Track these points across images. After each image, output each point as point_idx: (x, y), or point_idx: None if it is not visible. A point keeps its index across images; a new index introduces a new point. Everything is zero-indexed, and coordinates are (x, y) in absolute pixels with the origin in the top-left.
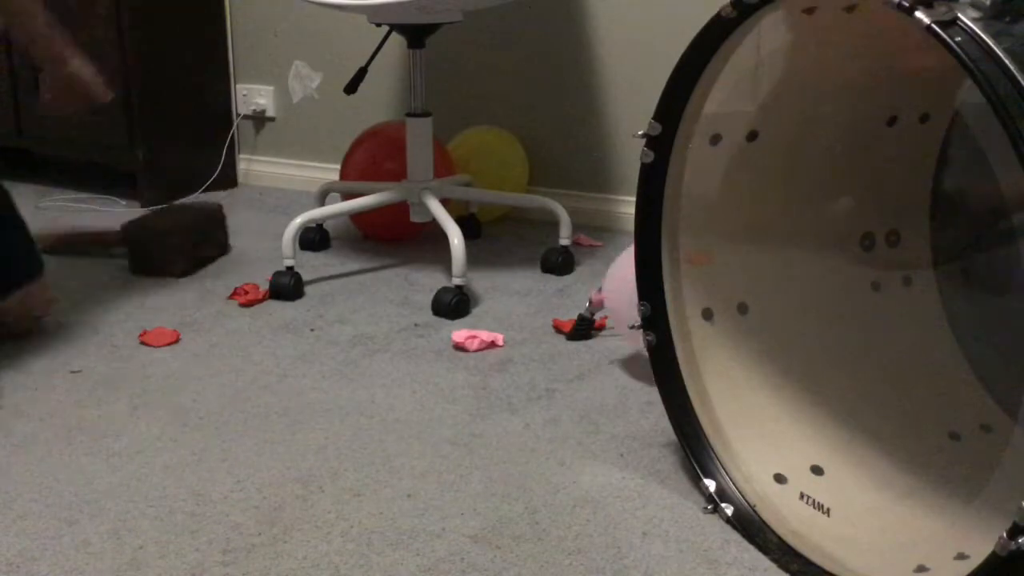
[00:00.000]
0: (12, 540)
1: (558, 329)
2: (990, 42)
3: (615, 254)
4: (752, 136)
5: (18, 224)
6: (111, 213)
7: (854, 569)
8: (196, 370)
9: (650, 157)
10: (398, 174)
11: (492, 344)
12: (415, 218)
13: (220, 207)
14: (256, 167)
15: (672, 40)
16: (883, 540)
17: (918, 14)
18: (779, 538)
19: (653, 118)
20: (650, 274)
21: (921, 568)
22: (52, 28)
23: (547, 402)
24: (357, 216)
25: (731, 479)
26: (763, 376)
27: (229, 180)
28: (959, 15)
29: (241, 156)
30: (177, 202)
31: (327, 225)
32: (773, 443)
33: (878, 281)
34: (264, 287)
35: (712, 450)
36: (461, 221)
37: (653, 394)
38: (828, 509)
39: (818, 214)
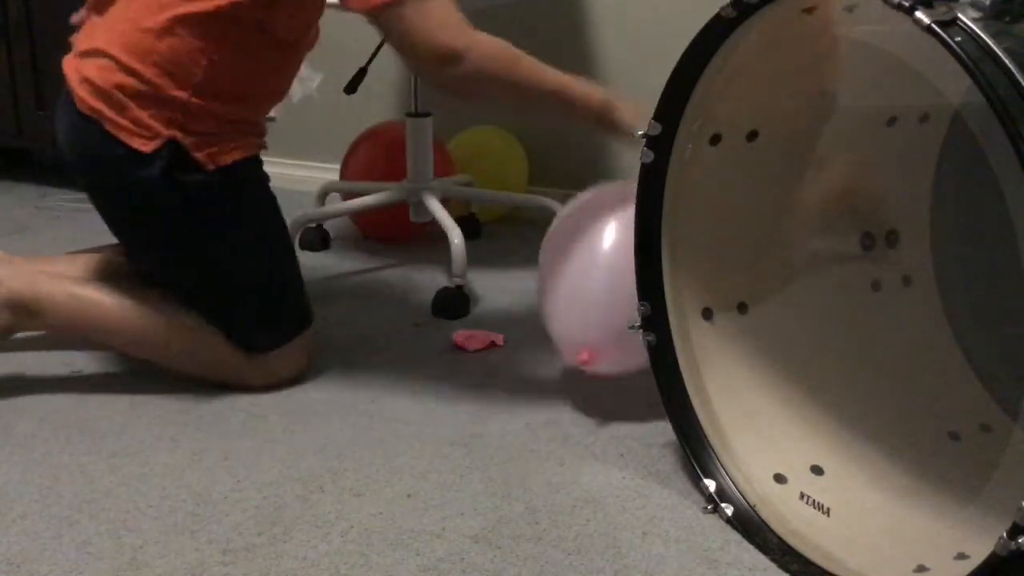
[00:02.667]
0: (12, 540)
1: None
2: (990, 42)
3: None
4: (752, 136)
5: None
6: None
7: (854, 569)
8: None
9: (650, 157)
10: (398, 174)
11: (492, 344)
12: (415, 218)
13: None
14: None
15: (672, 40)
16: (883, 540)
17: (918, 14)
18: (779, 538)
19: (653, 118)
20: (650, 274)
21: (921, 568)
22: None
23: (547, 402)
24: (357, 216)
25: (731, 479)
26: (763, 376)
27: None
28: (959, 15)
29: None
30: None
31: (327, 225)
32: (773, 443)
33: (878, 281)
34: None
35: (712, 450)
36: (461, 221)
37: (653, 394)
38: (828, 509)
39: (818, 214)
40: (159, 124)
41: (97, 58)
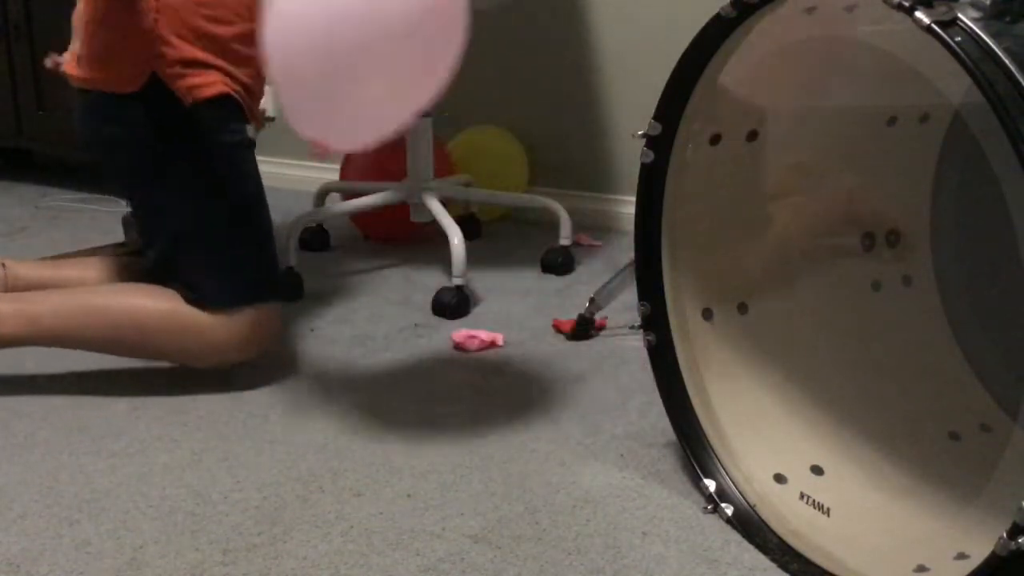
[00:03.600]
0: (12, 540)
1: (558, 329)
2: (990, 42)
3: (615, 254)
4: (752, 136)
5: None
6: (111, 213)
7: (854, 569)
8: (196, 370)
9: (650, 157)
10: (398, 174)
11: (492, 344)
12: (415, 218)
13: None
14: None
15: (672, 40)
16: (883, 540)
17: (918, 14)
18: (779, 538)
19: (653, 118)
20: (650, 274)
21: (921, 568)
22: None
23: (547, 402)
24: (357, 216)
25: (731, 479)
26: (763, 376)
27: None
28: (959, 15)
29: None
30: None
31: (327, 225)
32: (773, 443)
33: (878, 281)
34: None
35: (712, 450)
36: (461, 221)
37: (653, 394)
38: (828, 509)
39: (818, 214)
40: (139, 62)
41: (75, 41)
